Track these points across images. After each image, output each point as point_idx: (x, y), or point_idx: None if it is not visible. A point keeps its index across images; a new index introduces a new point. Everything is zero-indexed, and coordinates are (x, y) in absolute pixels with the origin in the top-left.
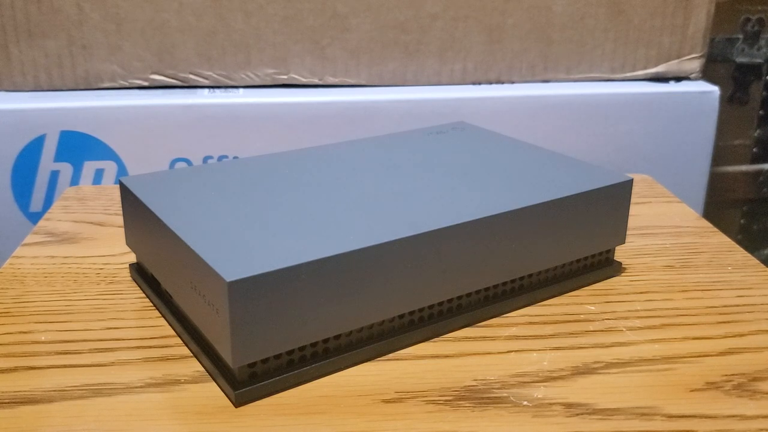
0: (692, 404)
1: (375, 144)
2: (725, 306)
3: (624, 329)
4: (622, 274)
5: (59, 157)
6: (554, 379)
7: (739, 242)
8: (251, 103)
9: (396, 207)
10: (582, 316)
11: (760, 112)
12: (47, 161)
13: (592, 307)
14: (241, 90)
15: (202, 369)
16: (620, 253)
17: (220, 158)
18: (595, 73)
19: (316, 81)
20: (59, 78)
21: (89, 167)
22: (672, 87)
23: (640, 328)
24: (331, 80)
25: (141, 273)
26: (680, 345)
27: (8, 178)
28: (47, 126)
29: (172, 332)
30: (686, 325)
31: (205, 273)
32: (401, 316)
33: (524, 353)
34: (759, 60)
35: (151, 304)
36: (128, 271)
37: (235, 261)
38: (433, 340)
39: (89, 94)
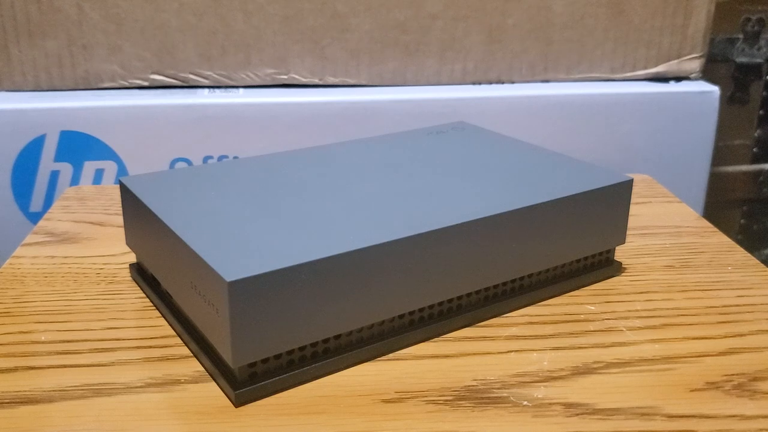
0: (692, 404)
1: (375, 144)
2: (725, 306)
3: (624, 329)
4: (622, 274)
5: (59, 157)
6: (554, 379)
7: (739, 242)
8: (251, 103)
9: (396, 207)
10: (582, 316)
11: (760, 112)
12: (47, 161)
13: (592, 307)
14: (241, 90)
15: (202, 369)
16: (620, 253)
17: (220, 158)
18: (595, 73)
19: (316, 81)
20: (59, 78)
21: (89, 167)
22: (672, 87)
23: (640, 328)
24: (331, 80)
25: (141, 273)
26: (680, 345)
27: (8, 178)
28: (47, 126)
29: (172, 332)
30: (686, 325)
31: (205, 273)
32: (401, 316)
33: (524, 353)
34: (759, 60)
35: (151, 304)
36: (128, 271)
37: (235, 261)
38: (433, 340)
39: (89, 94)
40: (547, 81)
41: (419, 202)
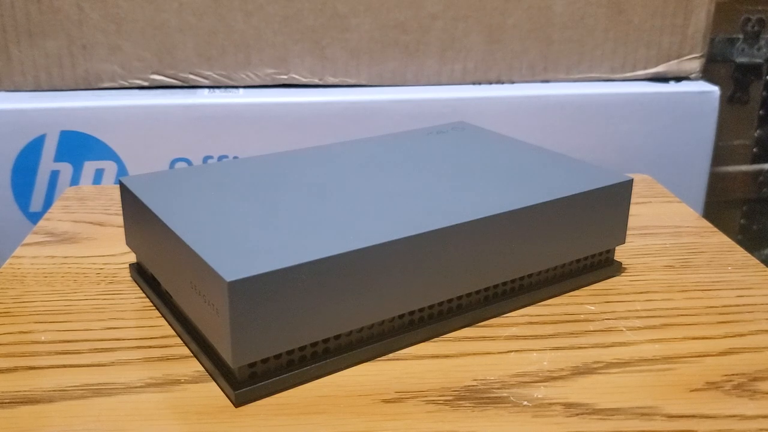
0: (692, 404)
1: (375, 144)
2: (725, 306)
3: (624, 329)
4: (622, 274)
5: (59, 157)
6: (554, 379)
7: (739, 242)
8: (251, 103)
9: (396, 207)
10: (582, 316)
11: (760, 112)
12: (47, 161)
13: (592, 307)
14: (241, 90)
15: (202, 369)
16: (620, 253)
17: (220, 158)
18: (595, 73)
19: (316, 81)
20: (59, 78)
21: (89, 167)
22: (672, 87)
23: (640, 328)
24: (331, 80)
25: (141, 273)
26: (680, 345)
27: (8, 178)
28: (47, 126)
29: (172, 332)
30: (686, 325)
31: (205, 273)
32: (401, 316)
33: (524, 353)
34: (759, 60)
35: (151, 304)
36: (128, 271)
37: (235, 261)
38: (433, 340)
39: (89, 94)
40: (547, 81)
41: (419, 202)
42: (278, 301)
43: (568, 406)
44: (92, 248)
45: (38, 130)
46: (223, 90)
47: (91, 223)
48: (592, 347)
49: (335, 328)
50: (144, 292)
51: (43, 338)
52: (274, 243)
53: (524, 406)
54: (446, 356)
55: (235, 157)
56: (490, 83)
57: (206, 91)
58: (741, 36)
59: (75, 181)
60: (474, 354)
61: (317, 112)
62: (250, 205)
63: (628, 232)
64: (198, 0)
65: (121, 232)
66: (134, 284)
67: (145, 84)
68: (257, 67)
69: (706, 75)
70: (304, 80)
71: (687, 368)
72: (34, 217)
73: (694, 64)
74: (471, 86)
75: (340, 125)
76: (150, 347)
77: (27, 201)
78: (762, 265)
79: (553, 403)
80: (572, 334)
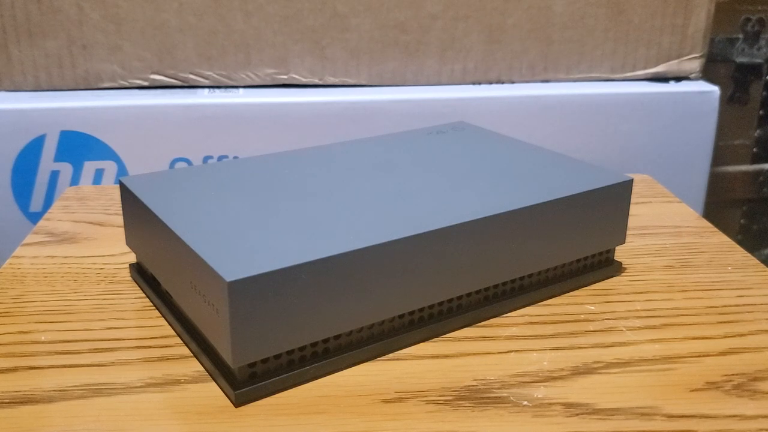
0: (692, 404)
1: (375, 144)
2: (725, 306)
3: (624, 329)
4: (622, 274)
5: (59, 157)
6: (554, 379)
7: (739, 242)
8: (251, 103)
9: (396, 207)
10: (582, 316)
11: (760, 112)
12: (47, 161)
13: (592, 307)
14: (241, 90)
15: (202, 369)
16: (620, 253)
17: (220, 158)
18: (595, 73)
19: (316, 81)
20: (59, 78)
21: (89, 167)
22: (672, 87)
23: (640, 328)
24: (331, 80)
25: (141, 273)
26: (680, 345)
27: (8, 178)
28: (47, 126)
29: (172, 332)
30: (686, 325)
31: (205, 273)
32: (401, 316)
33: (524, 353)
34: (759, 60)
35: (151, 304)
36: (128, 271)
37: (235, 261)
38: (433, 340)
39: (89, 94)
40: (547, 81)
41: (419, 202)
42: (278, 301)
43: (568, 406)
44: (92, 248)
45: (38, 130)
46: (223, 90)
47: (91, 223)
48: (592, 347)
49: (335, 328)
50: (144, 292)
51: (43, 338)
52: (274, 243)
53: (524, 406)
54: (446, 356)
55: (235, 157)
56: (490, 83)
57: (206, 91)
58: (741, 36)
59: (75, 181)
60: (474, 354)
61: (317, 112)
62: (251, 205)
63: (628, 232)
64: (198, 0)
65: (121, 232)
66: (134, 284)
67: (145, 84)
68: (257, 67)
69: (706, 75)
70: (304, 80)
71: (687, 368)
72: (34, 217)
73: (694, 64)
74: (471, 86)
75: (340, 125)
76: (150, 347)
77: (27, 201)
78: (762, 265)
79: (553, 403)
80: (572, 334)
